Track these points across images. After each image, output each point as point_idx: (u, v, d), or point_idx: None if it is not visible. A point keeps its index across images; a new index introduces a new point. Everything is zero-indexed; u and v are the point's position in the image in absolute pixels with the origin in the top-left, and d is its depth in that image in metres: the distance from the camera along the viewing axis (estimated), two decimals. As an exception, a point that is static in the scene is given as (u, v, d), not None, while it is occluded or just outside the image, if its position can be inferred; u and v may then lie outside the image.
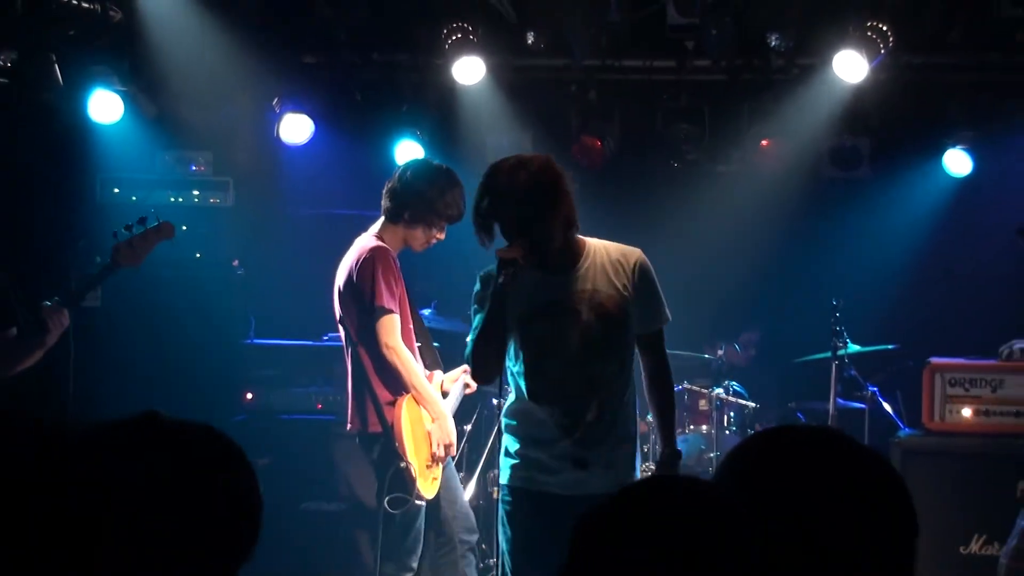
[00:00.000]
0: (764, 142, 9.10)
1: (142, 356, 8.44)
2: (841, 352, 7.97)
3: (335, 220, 8.93)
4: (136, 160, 9.18)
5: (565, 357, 5.19)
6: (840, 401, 8.12)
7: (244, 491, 2.22)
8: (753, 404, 8.56)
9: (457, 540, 6.59)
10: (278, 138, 8.95)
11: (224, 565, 2.17)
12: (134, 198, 9.12)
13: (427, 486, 6.39)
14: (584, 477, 5.16)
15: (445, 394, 6.81)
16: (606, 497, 1.89)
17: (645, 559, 1.76)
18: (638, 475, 5.54)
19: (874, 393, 8.23)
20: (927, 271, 9.33)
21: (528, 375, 5.23)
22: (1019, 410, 7.73)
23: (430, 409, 6.43)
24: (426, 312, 7.23)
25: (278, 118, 8.89)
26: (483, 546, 7.39)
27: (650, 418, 6.19)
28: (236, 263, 8.95)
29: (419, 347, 6.68)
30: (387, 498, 6.32)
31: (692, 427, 8.81)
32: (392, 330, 6.30)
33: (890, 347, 8.39)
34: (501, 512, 5.36)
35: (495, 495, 7.89)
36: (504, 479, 5.37)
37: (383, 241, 6.48)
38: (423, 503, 6.40)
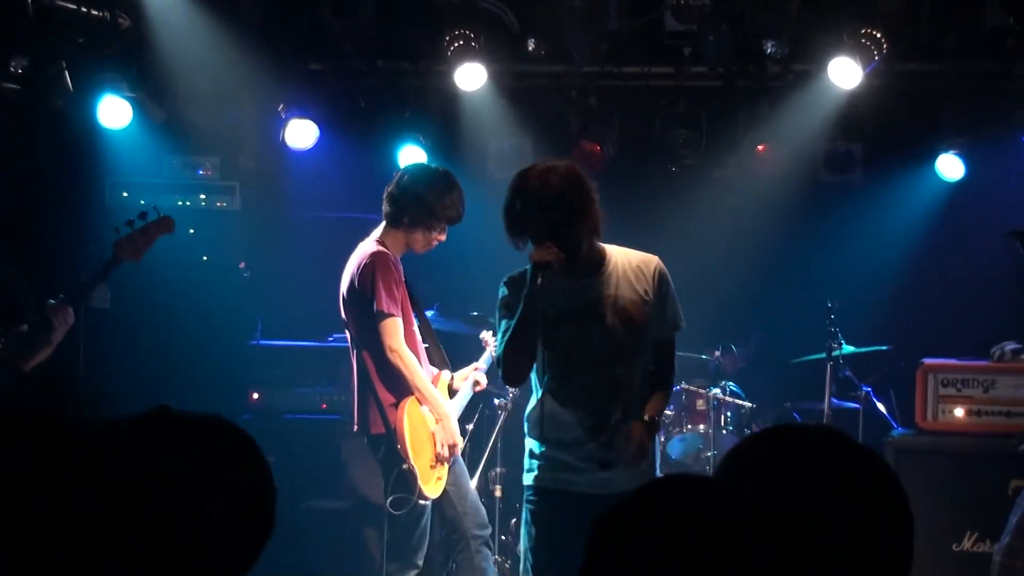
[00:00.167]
0: (760, 147, 9.10)
1: (150, 356, 8.45)
2: (836, 353, 7.97)
3: (340, 223, 8.92)
4: (144, 165, 9.17)
5: (590, 361, 5.24)
6: (835, 401, 8.11)
7: (258, 482, 2.22)
8: (750, 404, 8.55)
9: (470, 536, 6.60)
10: (284, 143, 8.95)
11: (240, 556, 2.17)
12: (142, 202, 9.08)
13: (431, 486, 6.39)
14: (610, 477, 5.19)
15: (455, 392, 6.82)
16: (620, 498, 1.88)
17: (658, 558, 1.76)
18: (659, 474, 5.56)
19: (868, 393, 8.22)
20: (920, 274, 9.32)
21: (554, 378, 5.25)
22: (1010, 410, 7.73)
23: (434, 410, 6.43)
24: (429, 314, 7.22)
25: (284, 123, 8.90)
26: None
27: None
28: (242, 265, 8.94)
29: (426, 348, 6.69)
30: (390, 499, 6.33)
31: (690, 427, 8.80)
32: (394, 333, 6.31)
33: (884, 348, 8.38)
34: (525, 512, 5.39)
35: (496, 493, 7.92)
36: (529, 480, 5.38)
37: (385, 246, 6.47)
38: (427, 503, 6.40)
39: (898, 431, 8.01)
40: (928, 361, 7.99)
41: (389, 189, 6.56)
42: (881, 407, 8.21)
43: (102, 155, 9.05)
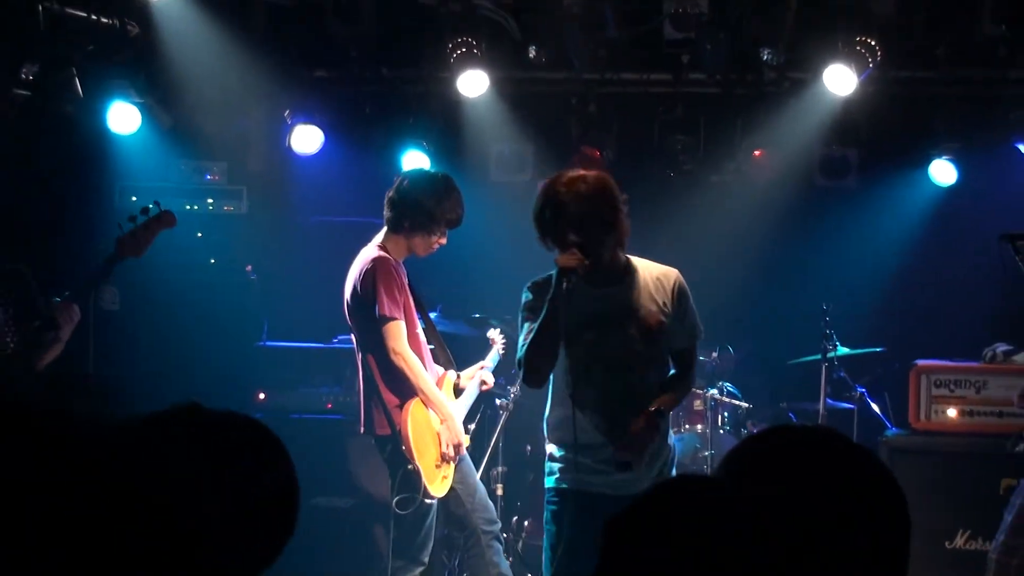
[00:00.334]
0: (757, 152, 9.11)
1: (159, 357, 8.45)
2: (831, 354, 7.96)
3: (344, 227, 8.92)
4: (153, 169, 9.18)
5: (608, 367, 5.28)
6: (830, 401, 8.11)
7: (283, 479, 2.23)
8: (746, 404, 8.54)
9: (480, 531, 6.60)
10: (290, 148, 8.97)
11: (264, 551, 2.17)
12: (151, 206, 9.12)
13: (437, 485, 6.40)
14: (627, 478, 5.23)
15: (461, 391, 6.82)
16: (632, 499, 1.88)
17: (670, 558, 1.76)
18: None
19: (862, 394, 8.22)
20: (913, 277, 9.32)
21: (573, 383, 5.27)
22: (1002, 410, 7.72)
23: (438, 411, 6.44)
24: (432, 316, 7.23)
25: (290, 129, 8.91)
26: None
27: None
28: (249, 268, 8.94)
29: (432, 349, 6.70)
30: (396, 499, 6.34)
31: (687, 427, 8.79)
32: (398, 336, 6.31)
33: (878, 350, 8.38)
34: (547, 512, 5.43)
35: (498, 492, 7.92)
36: (551, 483, 5.43)
37: (386, 250, 6.48)
38: (433, 501, 6.41)
39: (892, 431, 8.01)
40: (921, 362, 7.99)
41: (389, 194, 6.56)
42: (875, 407, 8.20)
43: (111, 160, 9.06)
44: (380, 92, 9.19)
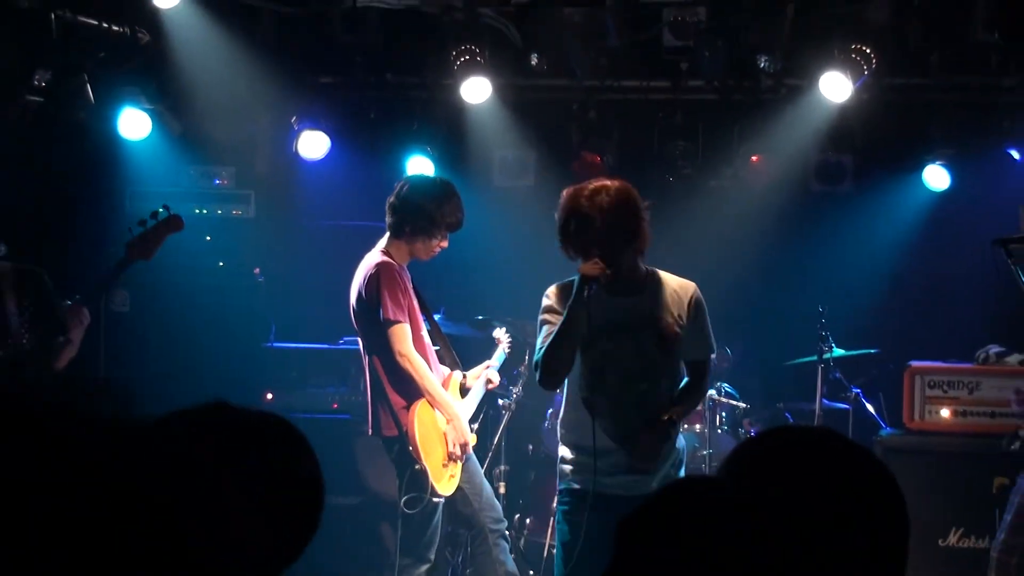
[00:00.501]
0: (754, 158, 9.11)
1: (168, 358, 8.45)
2: (826, 356, 7.96)
3: (350, 231, 8.93)
4: (163, 174, 9.19)
5: (622, 374, 5.33)
6: (825, 402, 8.11)
7: (308, 474, 2.23)
8: (744, 404, 8.54)
9: (487, 530, 6.63)
10: (296, 153, 8.97)
11: (288, 547, 2.18)
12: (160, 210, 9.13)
13: (444, 484, 6.41)
14: (638, 479, 5.30)
15: (467, 391, 6.84)
16: (645, 498, 1.89)
17: (681, 557, 1.77)
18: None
19: (858, 394, 8.22)
20: (908, 280, 9.32)
21: (587, 387, 5.33)
22: (994, 411, 7.72)
23: (444, 411, 6.45)
24: (436, 318, 7.24)
25: (296, 135, 8.92)
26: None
27: None
28: (257, 271, 8.95)
29: (437, 350, 6.71)
30: (404, 498, 6.35)
31: (686, 426, 8.77)
32: (403, 339, 6.32)
33: (873, 351, 8.38)
34: (558, 513, 5.50)
35: (501, 490, 7.93)
36: (563, 484, 5.50)
37: (389, 255, 6.49)
38: (440, 500, 6.42)
39: (886, 431, 8.01)
40: (915, 364, 8.00)
41: (390, 200, 6.58)
42: (870, 408, 8.20)
43: (122, 165, 9.07)
44: (385, 99, 9.20)
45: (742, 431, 8.37)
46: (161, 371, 8.28)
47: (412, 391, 6.37)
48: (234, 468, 2.11)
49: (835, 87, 8.05)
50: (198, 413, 2.18)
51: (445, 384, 6.62)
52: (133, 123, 8.57)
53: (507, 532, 6.87)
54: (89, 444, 1.20)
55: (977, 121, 8.70)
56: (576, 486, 5.41)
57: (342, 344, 8.59)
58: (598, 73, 8.77)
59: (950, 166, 8.78)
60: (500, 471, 8.06)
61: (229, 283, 9.00)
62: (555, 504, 7.89)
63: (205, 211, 9.11)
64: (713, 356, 5.61)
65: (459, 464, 6.51)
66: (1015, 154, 8.57)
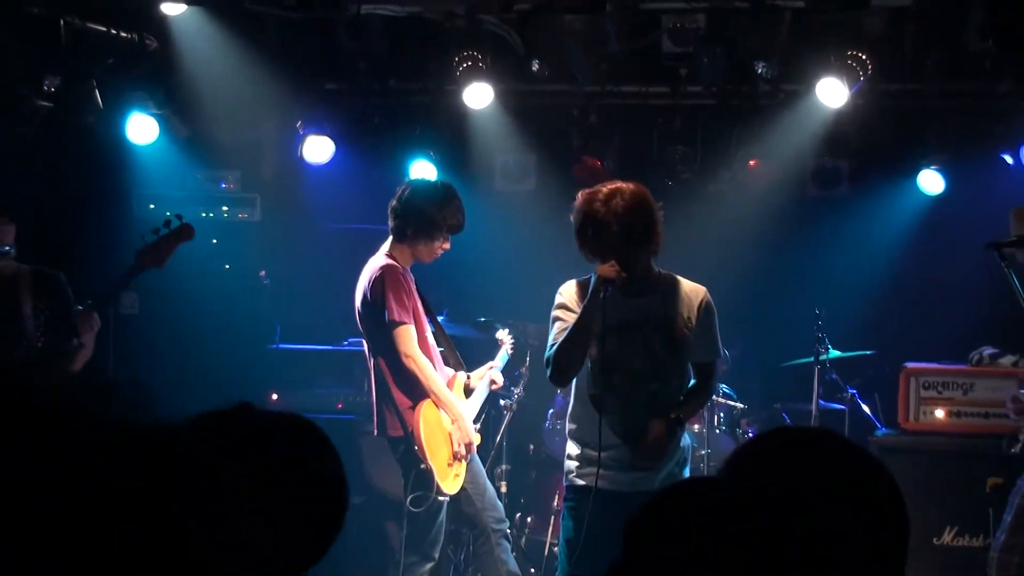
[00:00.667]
0: (752, 162, 9.13)
1: (176, 360, 8.46)
2: (823, 357, 7.97)
3: (354, 233, 8.94)
4: (170, 178, 9.21)
5: (630, 373, 5.36)
6: (822, 402, 8.11)
7: (332, 475, 2.24)
8: (741, 405, 8.55)
9: (490, 530, 6.64)
10: (302, 158, 8.99)
11: (312, 548, 2.19)
12: (168, 213, 9.12)
13: (449, 483, 6.42)
14: (642, 477, 5.34)
15: (471, 391, 6.85)
16: (651, 498, 1.90)
17: (687, 557, 1.78)
18: (687, 474, 5.71)
19: (853, 395, 8.22)
20: (903, 282, 9.33)
21: (595, 385, 5.36)
22: (988, 412, 7.73)
23: (449, 411, 6.46)
24: (439, 319, 7.25)
25: (302, 139, 8.93)
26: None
27: None
28: (263, 274, 8.97)
29: (442, 351, 6.73)
30: (410, 497, 6.37)
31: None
32: (408, 340, 6.34)
33: (868, 352, 8.38)
34: (564, 509, 5.52)
35: (503, 489, 7.94)
36: (568, 479, 5.52)
37: (393, 258, 6.51)
38: (445, 499, 6.44)
39: (882, 431, 8.01)
40: (910, 365, 8.00)
41: (392, 204, 6.60)
42: (866, 408, 8.21)
43: (130, 169, 9.08)
44: (388, 104, 9.21)
45: (740, 431, 8.37)
46: (168, 372, 8.29)
47: (417, 391, 6.39)
48: (259, 469, 2.12)
49: (831, 93, 8.06)
50: (224, 415, 2.20)
51: (450, 385, 6.64)
52: (141, 128, 8.58)
53: (509, 531, 6.88)
54: (91, 445, 1.21)
55: (971, 127, 8.72)
56: (581, 482, 5.44)
57: (346, 345, 8.60)
58: (599, 79, 8.79)
59: (944, 171, 8.80)
60: (502, 470, 8.08)
61: (235, 285, 9.02)
62: (556, 503, 7.97)
63: (211, 214, 9.12)
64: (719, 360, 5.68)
65: (463, 464, 6.52)
66: (1008, 159, 8.58)
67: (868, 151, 9.00)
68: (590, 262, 5.34)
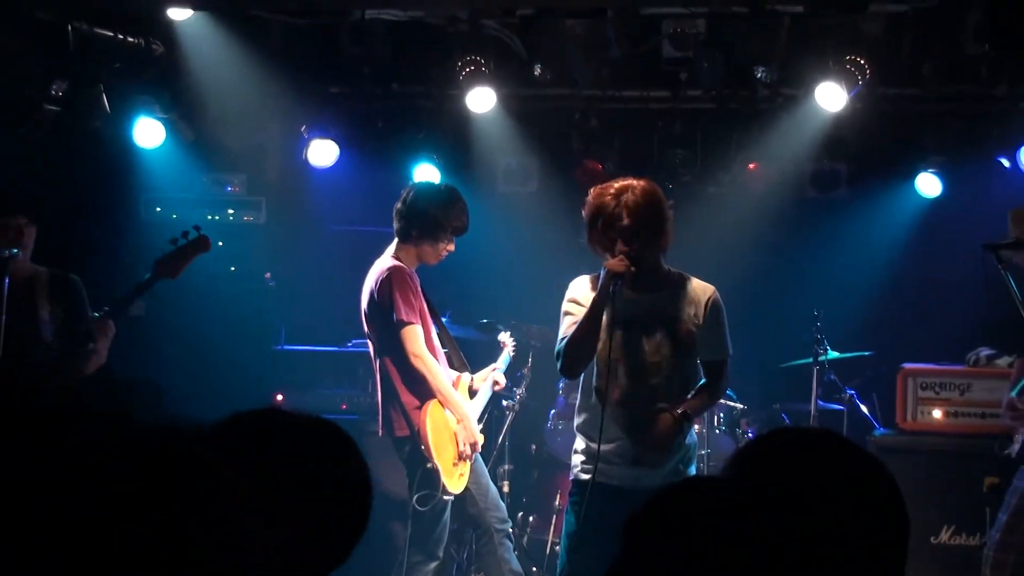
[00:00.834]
0: (751, 165, 9.13)
1: (182, 361, 8.46)
2: (821, 358, 7.96)
3: (358, 236, 8.94)
4: (176, 181, 9.21)
5: (635, 367, 5.36)
6: (820, 403, 8.10)
7: (358, 477, 2.24)
8: (741, 405, 8.54)
9: (493, 529, 6.64)
10: (306, 161, 9.00)
11: (339, 547, 2.19)
12: (174, 216, 9.15)
13: (454, 482, 6.42)
14: (641, 473, 5.33)
15: (475, 392, 6.85)
16: (650, 498, 1.89)
17: (687, 556, 1.77)
18: (692, 471, 5.71)
19: (852, 395, 8.22)
20: (900, 284, 9.32)
21: (600, 378, 5.34)
22: (985, 412, 7.72)
23: (455, 411, 6.46)
24: (442, 321, 7.25)
25: (306, 143, 8.94)
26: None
27: None
28: (268, 276, 8.97)
29: (446, 352, 6.72)
30: (416, 496, 6.36)
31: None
32: (416, 340, 6.34)
33: (866, 353, 8.37)
34: (568, 503, 5.52)
35: (505, 488, 7.94)
36: (573, 474, 5.53)
37: (399, 260, 6.51)
38: (450, 498, 6.43)
39: (880, 431, 8.01)
40: (908, 366, 8.00)
41: (397, 206, 6.61)
42: (864, 409, 8.21)
43: (137, 172, 9.09)
44: (392, 108, 9.22)
45: (739, 431, 8.37)
46: (174, 373, 8.29)
47: (424, 391, 6.39)
48: (282, 471, 2.12)
49: (830, 97, 8.05)
50: (251, 417, 2.20)
51: (454, 386, 6.64)
52: (147, 132, 8.59)
53: (511, 531, 6.87)
54: (91, 445, 1.20)
55: (968, 130, 8.71)
56: (584, 476, 5.43)
57: (350, 347, 8.60)
58: (600, 83, 8.79)
59: (942, 174, 8.80)
60: (504, 470, 8.08)
61: (241, 287, 9.02)
62: (558, 502, 7.97)
63: (217, 217, 9.12)
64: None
65: (468, 463, 6.52)
66: (1005, 162, 8.58)
67: (866, 154, 9.00)
68: (600, 256, 5.34)
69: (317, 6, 8.15)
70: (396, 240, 6.62)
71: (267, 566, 1.35)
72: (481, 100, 8.40)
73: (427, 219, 6.52)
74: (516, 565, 6.75)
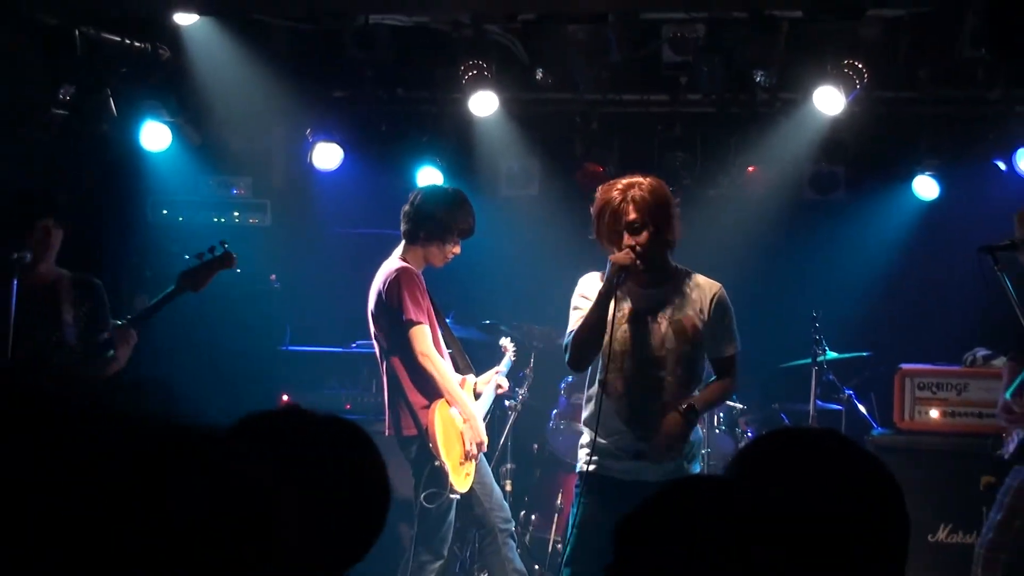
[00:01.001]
0: (750, 168, 9.13)
1: (188, 362, 8.46)
2: (820, 358, 7.96)
3: (362, 238, 8.95)
4: (183, 184, 9.21)
5: (639, 361, 5.37)
6: (819, 403, 8.10)
7: (376, 476, 2.24)
8: (740, 405, 8.53)
9: (497, 529, 6.65)
10: (311, 164, 9.00)
11: (357, 546, 2.19)
12: (181, 218, 9.16)
13: (460, 481, 6.43)
14: (643, 466, 5.34)
15: (478, 395, 6.85)
16: (644, 499, 1.88)
17: (680, 556, 1.76)
18: (697, 469, 5.73)
19: (850, 396, 8.21)
20: (898, 285, 9.31)
21: (605, 370, 5.36)
22: (982, 411, 7.72)
23: (462, 411, 6.47)
24: (446, 322, 7.26)
25: (311, 146, 8.94)
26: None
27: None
28: (273, 278, 8.96)
29: (451, 353, 6.72)
30: (423, 493, 6.36)
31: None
32: (424, 339, 6.35)
33: (864, 354, 8.37)
34: (575, 495, 5.55)
35: (507, 487, 7.94)
36: (577, 467, 5.56)
37: (406, 261, 6.52)
38: (457, 496, 6.44)
39: (877, 431, 8.01)
40: (905, 366, 8.00)
41: (405, 209, 6.63)
42: (862, 408, 8.20)
43: (144, 175, 9.09)
44: (396, 112, 9.22)
45: (739, 431, 8.36)
46: (181, 373, 8.28)
47: (432, 390, 6.40)
48: (306, 470, 2.12)
49: (828, 100, 8.05)
50: (271, 416, 2.20)
51: (460, 386, 6.64)
52: (154, 135, 8.59)
53: (515, 531, 6.88)
54: (90, 444, 1.20)
55: (964, 133, 8.71)
56: (588, 468, 5.45)
57: (355, 347, 8.60)
58: (600, 87, 8.79)
59: (938, 176, 8.79)
60: (506, 469, 8.08)
61: (246, 289, 9.00)
62: (559, 501, 7.97)
63: (223, 220, 9.13)
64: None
65: (474, 463, 6.52)
66: (1001, 165, 8.57)
67: (864, 157, 8.99)
68: (606, 250, 5.34)
69: (321, 11, 8.14)
70: (403, 242, 6.64)
71: (286, 565, 1.34)
72: (483, 104, 8.39)
73: (434, 221, 6.53)
74: (519, 564, 6.75)
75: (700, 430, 5.68)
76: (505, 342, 7.59)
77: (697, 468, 5.69)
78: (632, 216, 5.23)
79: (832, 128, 8.65)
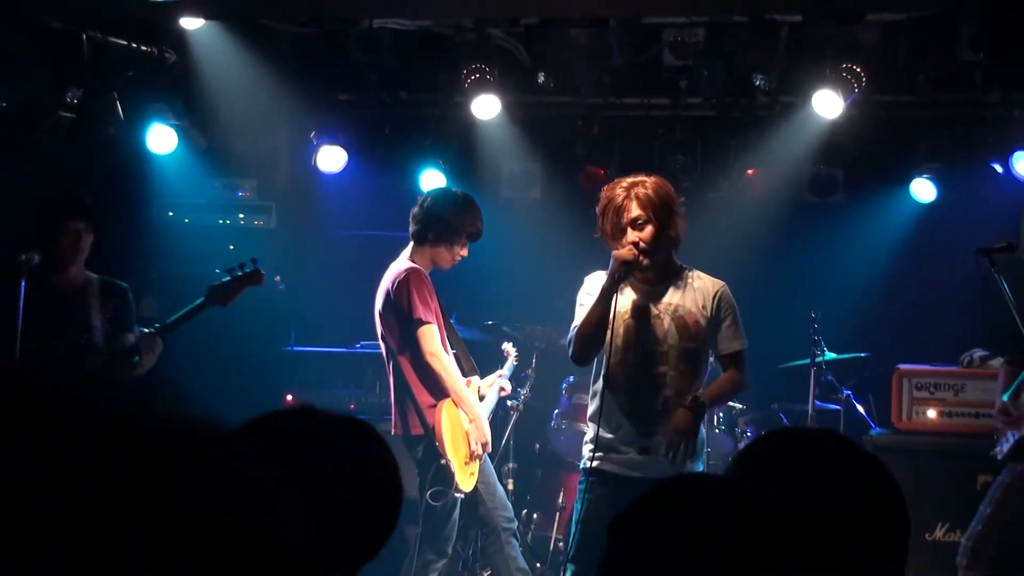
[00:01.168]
0: (750, 171, 9.12)
1: (194, 362, 8.45)
2: (819, 359, 7.96)
3: (367, 240, 8.96)
4: (188, 187, 9.22)
5: (642, 357, 5.39)
6: (818, 403, 8.10)
7: (389, 476, 2.24)
8: (740, 405, 8.53)
9: (500, 528, 6.66)
10: (315, 167, 8.99)
11: (369, 545, 2.18)
12: (186, 220, 9.17)
13: (465, 480, 6.43)
14: (645, 461, 5.34)
15: (482, 397, 6.86)
16: (640, 495, 1.86)
17: (674, 557, 1.74)
18: (700, 468, 5.71)
19: (848, 396, 8.21)
20: (896, 287, 9.31)
21: (608, 365, 5.35)
22: (979, 412, 7.72)
23: (467, 411, 6.47)
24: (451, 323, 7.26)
25: (315, 149, 8.94)
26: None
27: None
28: (278, 279, 8.95)
29: (455, 354, 6.72)
30: (429, 492, 6.36)
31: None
32: (433, 339, 6.36)
33: (863, 355, 8.37)
34: (579, 490, 5.52)
35: (509, 487, 7.94)
36: (583, 462, 5.54)
37: (415, 262, 6.52)
38: (461, 495, 6.44)
39: (876, 431, 8.01)
40: (903, 367, 8.00)
41: (414, 211, 6.64)
42: (860, 408, 8.20)
43: (150, 178, 9.10)
44: (399, 115, 9.22)
45: (738, 431, 8.36)
46: (187, 373, 8.27)
47: (439, 390, 6.40)
48: (319, 469, 2.11)
49: (827, 104, 8.04)
50: (285, 415, 2.20)
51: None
52: (160, 138, 8.59)
53: (518, 531, 6.88)
54: (91, 443, 1.19)
55: (963, 136, 8.71)
56: (590, 464, 5.46)
57: (359, 348, 8.60)
58: (602, 91, 8.79)
59: (936, 179, 8.78)
60: (508, 468, 8.08)
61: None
62: (561, 500, 7.97)
63: (228, 222, 9.13)
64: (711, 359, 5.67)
65: (478, 463, 6.53)
66: (999, 168, 8.56)
67: (863, 160, 8.99)
68: (610, 247, 5.34)
69: (326, 15, 8.14)
70: (411, 244, 6.65)
71: (296, 564, 1.34)
72: (486, 107, 8.39)
73: (443, 223, 6.55)
74: (522, 563, 6.75)
75: (702, 429, 5.65)
76: (508, 346, 7.61)
77: (700, 467, 5.68)
78: (635, 212, 5.25)
79: (831, 131, 8.65)
